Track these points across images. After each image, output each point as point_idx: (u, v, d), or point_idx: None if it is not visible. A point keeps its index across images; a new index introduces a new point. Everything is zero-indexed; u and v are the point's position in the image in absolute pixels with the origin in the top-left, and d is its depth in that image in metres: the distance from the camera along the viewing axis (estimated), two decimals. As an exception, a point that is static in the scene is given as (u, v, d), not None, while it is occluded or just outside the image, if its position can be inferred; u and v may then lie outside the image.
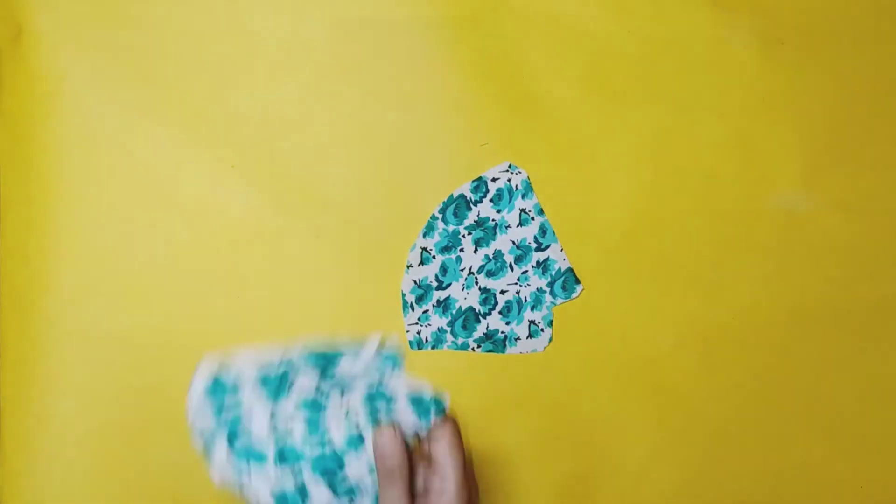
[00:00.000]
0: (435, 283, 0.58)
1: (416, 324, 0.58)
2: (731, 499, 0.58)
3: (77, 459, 0.55)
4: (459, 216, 0.58)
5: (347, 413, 0.45)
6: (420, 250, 0.58)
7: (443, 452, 0.43)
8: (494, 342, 0.59)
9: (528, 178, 0.58)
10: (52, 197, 0.55)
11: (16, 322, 0.55)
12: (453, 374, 0.58)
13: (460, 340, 0.58)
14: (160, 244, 0.56)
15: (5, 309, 0.55)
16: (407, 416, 0.45)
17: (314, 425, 0.44)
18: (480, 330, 0.59)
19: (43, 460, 0.55)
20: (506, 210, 0.59)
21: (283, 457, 0.44)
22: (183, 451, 0.55)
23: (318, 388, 0.45)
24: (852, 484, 0.59)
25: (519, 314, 0.59)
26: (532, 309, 0.59)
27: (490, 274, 0.59)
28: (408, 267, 0.58)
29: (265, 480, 0.44)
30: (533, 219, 0.59)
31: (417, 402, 0.45)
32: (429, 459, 0.44)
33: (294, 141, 0.57)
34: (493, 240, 0.59)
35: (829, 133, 0.59)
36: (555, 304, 0.59)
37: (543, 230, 0.59)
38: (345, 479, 0.44)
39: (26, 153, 0.55)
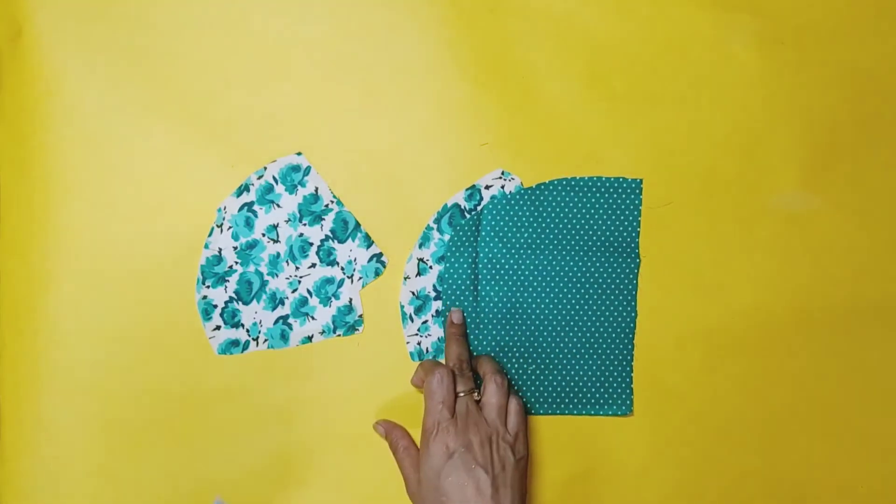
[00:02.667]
0: (433, 294, 0.58)
1: (416, 334, 0.57)
2: (731, 499, 0.58)
3: (77, 459, 0.55)
4: (454, 225, 0.58)
5: None
6: (416, 261, 0.58)
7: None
8: (494, 342, 0.59)
9: (529, 178, 0.58)
10: (52, 197, 0.55)
11: (16, 322, 0.55)
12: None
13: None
14: (160, 244, 0.56)
15: (5, 309, 0.55)
16: None
17: None
18: (480, 330, 0.59)
19: (43, 460, 0.55)
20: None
21: None
22: (183, 451, 0.55)
23: None
24: (852, 484, 0.59)
25: (519, 314, 0.59)
26: (532, 309, 0.59)
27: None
28: (405, 278, 0.58)
29: None
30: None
31: None
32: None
33: (294, 141, 0.57)
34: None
35: (829, 133, 0.59)
36: (555, 304, 0.59)
37: (543, 230, 0.59)
38: None
39: (26, 153, 0.55)
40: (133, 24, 0.56)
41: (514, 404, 0.54)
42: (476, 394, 0.54)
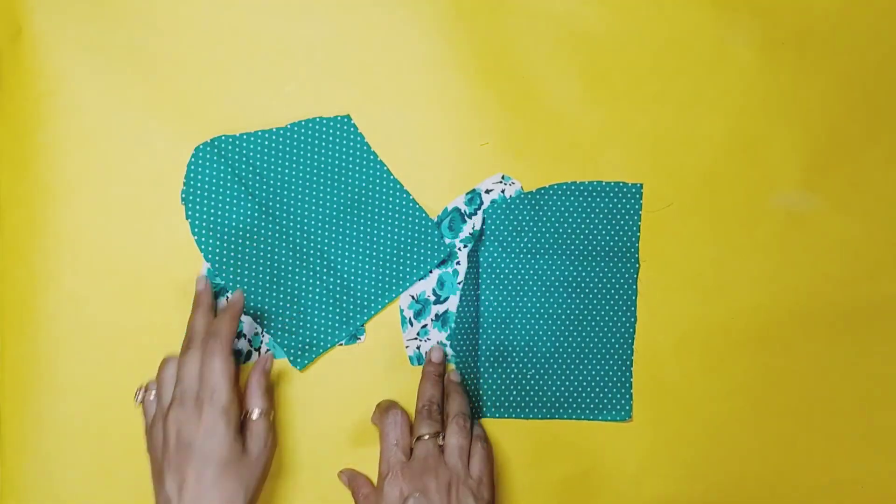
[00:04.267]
0: (433, 298, 0.58)
1: (416, 339, 0.57)
2: (730, 499, 0.58)
3: (77, 459, 0.55)
4: (454, 229, 0.58)
5: None
6: None
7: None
8: (494, 342, 0.59)
9: (529, 178, 0.58)
10: (52, 196, 0.55)
11: (16, 322, 0.55)
12: (453, 374, 0.58)
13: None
14: (160, 244, 0.56)
15: (5, 309, 0.55)
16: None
17: None
18: (480, 330, 0.59)
19: (43, 460, 0.55)
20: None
21: None
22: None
23: None
24: (852, 484, 0.59)
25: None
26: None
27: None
28: None
29: None
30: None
31: None
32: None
33: (294, 141, 0.57)
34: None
35: (829, 133, 0.59)
36: (555, 304, 0.59)
37: (543, 230, 0.59)
38: None
39: (25, 153, 0.55)
40: (133, 24, 0.56)
41: (478, 447, 0.52)
42: (441, 437, 0.52)
